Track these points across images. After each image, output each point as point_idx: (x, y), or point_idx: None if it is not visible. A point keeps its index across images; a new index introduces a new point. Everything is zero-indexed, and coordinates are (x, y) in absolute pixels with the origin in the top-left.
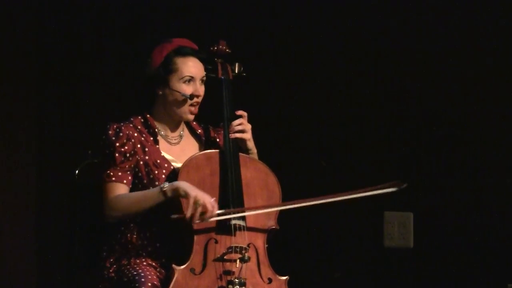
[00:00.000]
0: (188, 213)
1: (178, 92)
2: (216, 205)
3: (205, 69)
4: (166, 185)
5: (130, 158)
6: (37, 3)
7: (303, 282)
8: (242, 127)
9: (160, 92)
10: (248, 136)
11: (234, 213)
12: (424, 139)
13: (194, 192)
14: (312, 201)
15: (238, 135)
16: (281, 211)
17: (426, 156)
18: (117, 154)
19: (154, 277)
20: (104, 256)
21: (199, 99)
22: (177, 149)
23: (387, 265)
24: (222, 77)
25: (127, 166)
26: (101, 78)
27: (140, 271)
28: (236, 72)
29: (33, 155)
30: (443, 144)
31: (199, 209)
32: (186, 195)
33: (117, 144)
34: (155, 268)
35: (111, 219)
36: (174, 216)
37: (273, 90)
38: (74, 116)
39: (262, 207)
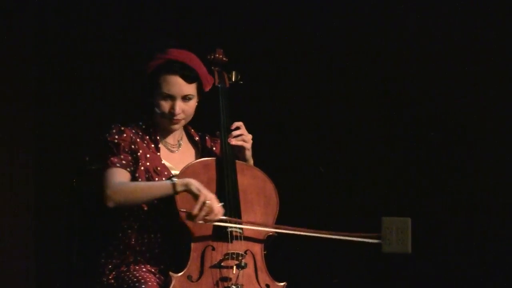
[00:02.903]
0: (195, 210)
1: (156, 106)
2: (221, 212)
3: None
4: (176, 179)
5: (134, 155)
6: (36, 3)
7: None
8: (242, 137)
9: (151, 100)
10: (248, 145)
11: (232, 222)
12: (423, 143)
13: (206, 191)
14: (306, 232)
15: (239, 143)
16: (278, 216)
17: (424, 161)
18: (122, 144)
19: (154, 283)
20: (103, 262)
21: (179, 117)
22: (176, 156)
23: (385, 270)
24: (219, 85)
25: (130, 158)
26: (101, 79)
27: (140, 277)
28: (233, 80)
29: (32, 159)
30: (441, 149)
31: (206, 209)
32: (199, 192)
33: (120, 139)
34: (154, 274)
35: (112, 204)
36: (182, 209)
37: (270, 98)
38: (73, 119)
39: (258, 224)
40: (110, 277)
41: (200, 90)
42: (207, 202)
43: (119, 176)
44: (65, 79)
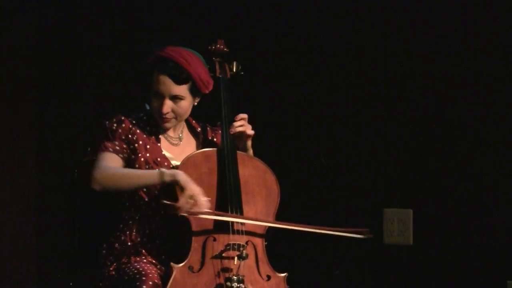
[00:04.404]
0: (180, 203)
1: (149, 102)
2: (206, 206)
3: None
4: (165, 170)
5: (131, 146)
6: (37, 3)
7: (302, 279)
8: (243, 128)
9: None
10: (249, 131)
11: (230, 217)
12: (424, 137)
13: (192, 185)
14: (304, 227)
15: (240, 129)
16: (279, 208)
17: (426, 153)
18: (119, 131)
19: (155, 274)
20: (104, 254)
21: (168, 116)
22: (178, 148)
23: (387, 262)
24: (220, 76)
25: (124, 146)
26: (101, 78)
27: (140, 269)
28: (234, 71)
29: (33, 154)
30: (443, 141)
31: (191, 202)
32: (185, 185)
33: (118, 127)
34: (155, 265)
35: (98, 187)
36: (166, 201)
37: (271, 88)
38: (74, 115)
39: (258, 219)
40: (111, 269)
41: (194, 91)
42: (193, 196)
43: (110, 161)
44: (66, 77)
